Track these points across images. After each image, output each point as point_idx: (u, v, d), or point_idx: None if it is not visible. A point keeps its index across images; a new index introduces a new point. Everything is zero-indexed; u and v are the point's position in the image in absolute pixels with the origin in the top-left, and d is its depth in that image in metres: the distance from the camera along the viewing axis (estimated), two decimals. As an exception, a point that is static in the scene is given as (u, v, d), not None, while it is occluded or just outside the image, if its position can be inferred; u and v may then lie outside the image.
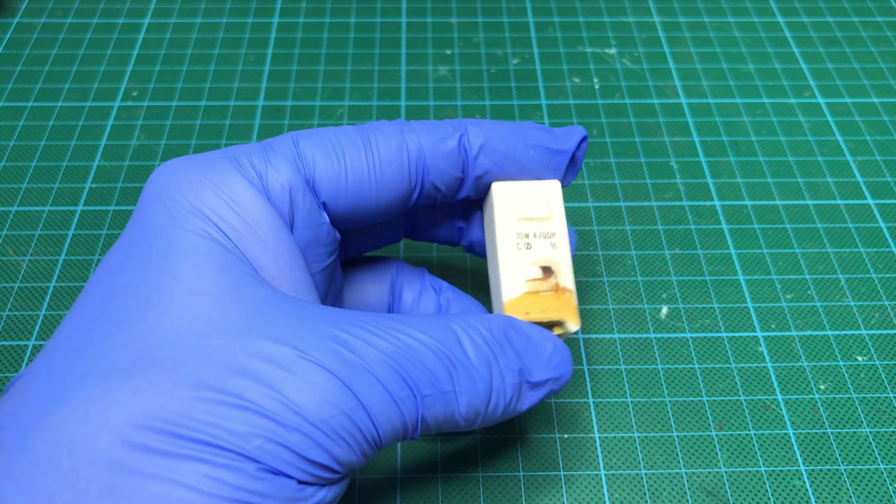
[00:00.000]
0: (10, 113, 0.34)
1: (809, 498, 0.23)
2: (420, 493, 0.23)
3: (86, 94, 0.35)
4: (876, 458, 0.24)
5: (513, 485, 0.23)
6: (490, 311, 0.22)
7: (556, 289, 0.20)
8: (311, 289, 0.18)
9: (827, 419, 0.25)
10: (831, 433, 0.25)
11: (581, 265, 0.29)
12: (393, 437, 0.16)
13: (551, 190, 0.21)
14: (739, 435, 0.24)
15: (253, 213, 0.17)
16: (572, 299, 0.20)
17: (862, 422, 0.25)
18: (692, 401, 0.25)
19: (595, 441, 0.24)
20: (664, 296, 0.28)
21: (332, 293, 0.21)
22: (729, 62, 0.37)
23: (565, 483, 0.23)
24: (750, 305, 0.28)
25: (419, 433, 0.17)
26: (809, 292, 0.28)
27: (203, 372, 0.15)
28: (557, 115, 0.35)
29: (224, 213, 0.17)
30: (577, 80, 0.36)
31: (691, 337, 0.27)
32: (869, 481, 0.24)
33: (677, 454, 0.24)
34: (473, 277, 0.29)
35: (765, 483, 0.23)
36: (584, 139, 0.21)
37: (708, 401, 0.25)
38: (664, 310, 0.28)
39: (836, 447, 0.24)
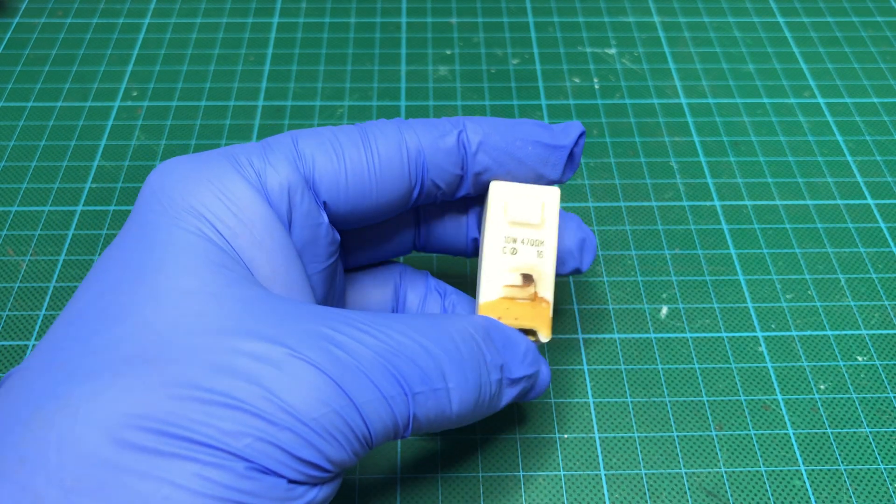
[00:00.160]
0: (10, 113, 0.34)
1: (809, 498, 0.23)
2: (420, 493, 0.23)
3: (86, 94, 0.35)
4: (876, 458, 0.24)
5: (513, 485, 0.23)
6: None
7: (534, 298, 0.20)
8: (305, 289, 0.18)
9: (827, 419, 0.25)
10: (831, 433, 0.25)
11: (581, 265, 0.29)
12: (384, 436, 0.16)
13: (549, 197, 0.20)
14: (739, 435, 0.24)
15: (249, 213, 0.17)
16: (548, 310, 0.20)
17: (862, 422, 0.25)
18: (692, 401, 0.25)
19: (595, 441, 0.24)
20: (664, 296, 0.28)
21: (333, 296, 0.21)
22: (729, 62, 0.37)
23: (565, 483, 0.23)
24: (750, 305, 0.28)
25: (410, 432, 0.17)
26: (809, 292, 0.28)
27: (193, 370, 0.15)
28: (557, 115, 0.35)
29: (220, 212, 0.17)
30: (577, 80, 0.36)
31: (691, 337, 0.27)
32: (869, 481, 0.24)
33: (677, 454, 0.24)
34: (475, 281, 0.29)
35: (765, 483, 0.23)
36: (581, 135, 0.21)
37: (708, 401, 0.25)
38: (664, 310, 0.28)
39: (836, 447, 0.24)
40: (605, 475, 0.24)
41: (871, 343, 0.27)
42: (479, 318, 0.19)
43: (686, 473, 0.24)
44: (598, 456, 0.24)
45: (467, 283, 0.28)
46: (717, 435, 0.24)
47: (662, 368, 0.26)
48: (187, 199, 0.17)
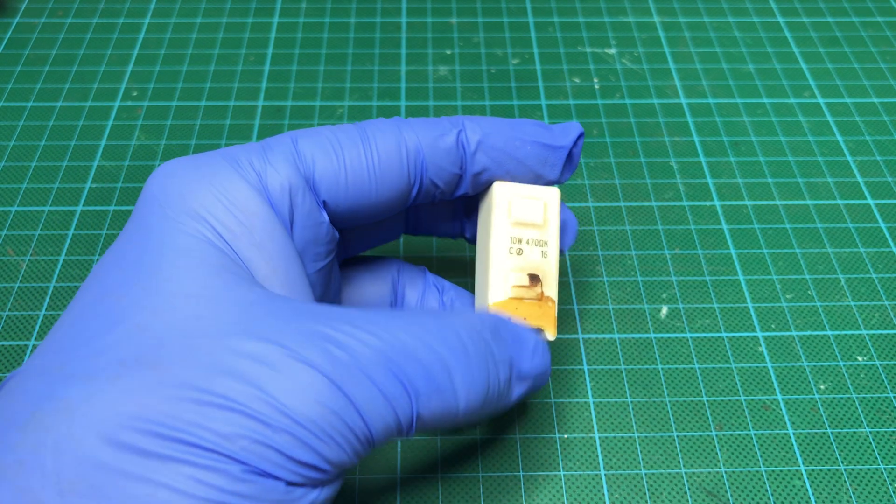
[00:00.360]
0: (10, 113, 0.34)
1: (809, 498, 0.23)
2: (420, 493, 0.23)
3: (86, 94, 0.35)
4: (876, 458, 0.24)
5: (513, 485, 0.23)
6: None
7: (541, 297, 0.20)
8: (306, 290, 0.18)
9: (827, 419, 0.25)
10: (831, 433, 0.25)
11: (581, 265, 0.29)
12: (387, 436, 0.16)
13: (550, 198, 0.21)
14: (739, 435, 0.24)
15: (249, 214, 0.17)
16: (553, 309, 0.20)
17: (862, 422, 0.25)
18: (692, 401, 0.25)
19: (595, 441, 0.24)
20: (664, 296, 0.28)
21: (329, 293, 0.21)
22: (729, 62, 0.37)
23: (565, 483, 0.23)
24: (750, 305, 0.28)
25: (415, 430, 0.17)
26: (809, 292, 0.28)
27: (190, 372, 0.15)
28: (557, 116, 0.35)
29: (220, 213, 0.17)
30: (577, 80, 0.36)
31: (691, 337, 0.27)
32: (869, 481, 0.24)
33: (677, 454, 0.24)
34: (473, 276, 0.29)
35: (765, 483, 0.23)
36: (580, 136, 0.21)
37: (708, 401, 0.25)
38: (664, 310, 0.28)
39: (836, 447, 0.24)
40: (605, 475, 0.24)
41: (871, 343, 0.27)
42: (487, 313, 0.19)
43: (686, 473, 0.24)
44: (598, 456, 0.24)
45: (467, 279, 0.28)
46: (717, 435, 0.24)
47: (662, 368, 0.26)
48: (187, 202, 0.17)
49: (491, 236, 0.20)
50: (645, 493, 0.23)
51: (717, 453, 0.24)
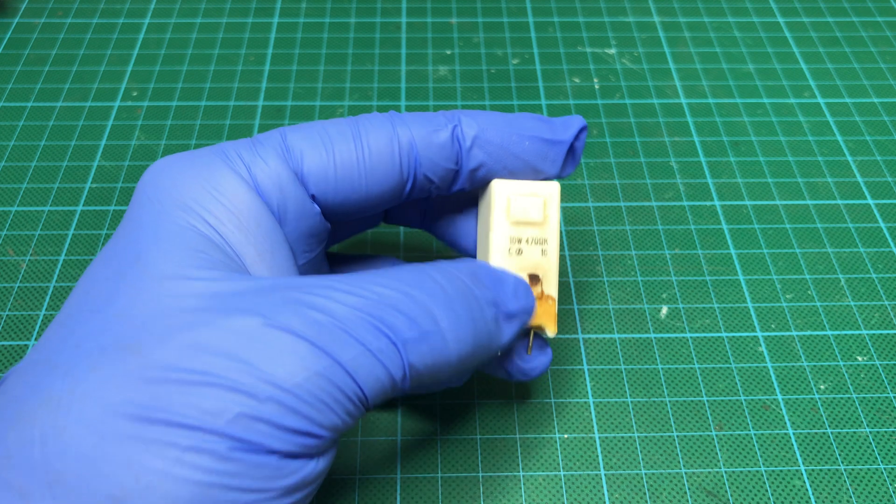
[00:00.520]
0: (10, 113, 0.34)
1: (809, 498, 0.23)
2: (420, 493, 0.23)
3: (86, 94, 0.35)
4: (876, 458, 0.24)
5: (513, 485, 0.23)
6: None
7: (541, 296, 0.20)
8: (292, 272, 0.19)
9: (827, 419, 0.25)
10: (831, 433, 0.25)
11: (581, 265, 0.29)
12: (381, 392, 0.16)
13: (550, 193, 0.21)
14: (739, 435, 0.24)
15: (236, 202, 0.18)
16: (554, 307, 0.20)
17: (862, 422, 0.25)
18: (692, 401, 0.25)
19: (595, 441, 0.24)
20: (664, 296, 0.28)
21: None
22: (729, 62, 0.37)
23: (565, 483, 0.23)
24: (750, 305, 0.28)
25: (409, 382, 0.16)
26: (809, 292, 0.28)
27: (169, 352, 0.15)
28: (557, 115, 0.35)
29: (208, 203, 0.17)
30: (577, 80, 0.36)
31: (691, 337, 0.27)
32: (869, 481, 0.24)
33: (677, 454, 0.24)
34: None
35: (765, 483, 0.23)
36: (583, 129, 0.21)
37: (708, 401, 0.25)
38: (664, 310, 0.28)
39: (836, 447, 0.24)
40: (605, 475, 0.24)
41: (871, 343, 0.27)
42: (463, 260, 0.19)
43: (686, 473, 0.24)
44: (598, 456, 0.24)
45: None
46: (717, 435, 0.24)
47: (662, 368, 0.26)
48: (178, 195, 0.17)
49: (490, 237, 0.20)
50: (645, 493, 0.23)
51: (717, 453, 0.24)
